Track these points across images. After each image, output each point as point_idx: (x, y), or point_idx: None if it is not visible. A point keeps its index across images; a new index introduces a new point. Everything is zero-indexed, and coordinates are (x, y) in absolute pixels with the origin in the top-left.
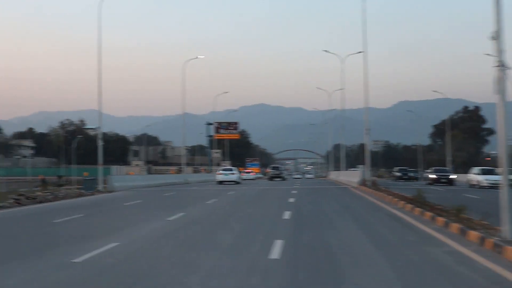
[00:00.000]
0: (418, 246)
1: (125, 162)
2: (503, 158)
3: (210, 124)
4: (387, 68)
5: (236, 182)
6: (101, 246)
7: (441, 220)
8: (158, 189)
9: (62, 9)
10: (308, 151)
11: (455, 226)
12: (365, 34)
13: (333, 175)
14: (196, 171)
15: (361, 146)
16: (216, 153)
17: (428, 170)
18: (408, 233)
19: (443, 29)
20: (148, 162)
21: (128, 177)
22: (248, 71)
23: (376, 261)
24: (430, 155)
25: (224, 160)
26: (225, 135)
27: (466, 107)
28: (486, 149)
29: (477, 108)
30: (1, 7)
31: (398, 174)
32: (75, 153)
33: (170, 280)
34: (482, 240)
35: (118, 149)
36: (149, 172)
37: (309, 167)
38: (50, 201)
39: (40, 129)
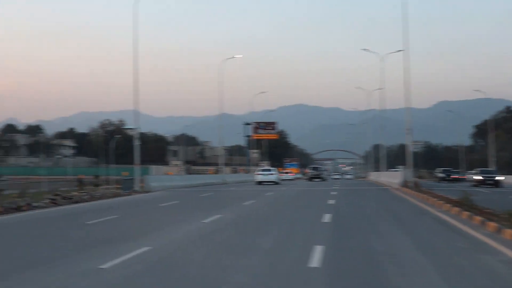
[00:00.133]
0: (469, 254)
1: (164, 162)
2: None
3: (248, 124)
4: (427, 67)
5: (275, 183)
6: (132, 250)
7: (492, 225)
8: (195, 189)
9: (102, 13)
10: (347, 151)
11: (509, 232)
12: (407, 32)
13: (373, 175)
14: (234, 171)
15: (401, 147)
16: (254, 153)
17: (472, 171)
18: (457, 239)
19: (485, 27)
20: (187, 162)
21: (166, 177)
22: (286, 71)
23: (424, 270)
24: (471, 156)
25: (262, 160)
26: (263, 135)
27: (508, 107)
28: None
29: None
30: (45, 15)
31: (441, 175)
32: (114, 153)
33: None
34: None
35: (157, 149)
36: (188, 172)
37: (347, 168)
38: (86, 201)
39: (81, 129)
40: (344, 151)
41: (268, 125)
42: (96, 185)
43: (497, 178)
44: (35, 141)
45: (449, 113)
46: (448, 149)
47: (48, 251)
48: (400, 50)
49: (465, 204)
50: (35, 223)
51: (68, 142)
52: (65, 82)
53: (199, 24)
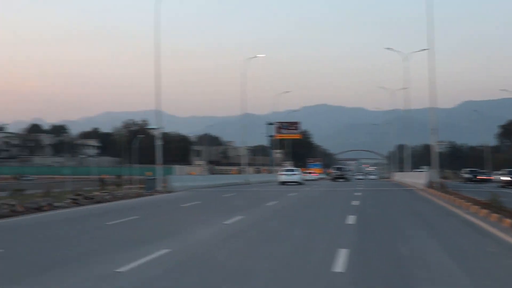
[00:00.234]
0: (501, 259)
1: (187, 162)
2: None
3: (271, 124)
4: (452, 66)
5: (299, 183)
6: (151, 252)
7: None
8: (218, 189)
9: (125, 15)
10: (370, 151)
11: None
12: (432, 30)
13: (398, 176)
14: (257, 172)
15: (425, 147)
16: (277, 153)
17: (499, 172)
18: (487, 243)
19: (508, 26)
20: (210, 162)
21: (188, 177)
22: (309, 70)
23: (454, 277)
24: (497, 156)
25: (285, 161)
26: (286, 135)
27: None
28: None
29: None
30: (69, 20)
31: (468, 175)
32: (137, 152)
33: None
34: None
35: (180, 149)
36: (212, 172)
37: (371, 168)
38: (108, 201)
39: (105, 129)
40: (367, 151)
41: (291, 125)
42: (118, 185)
43: None
44: (59, 140)
45: (474, 112)
46: (473, 149)
47: (66, 253)
48: (424, 49)
49: (494, 206)
50: (55, 224)
51: (92, 142)
52: (91, 83)
53: (222, 24)
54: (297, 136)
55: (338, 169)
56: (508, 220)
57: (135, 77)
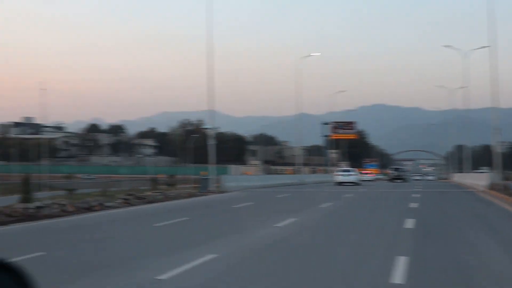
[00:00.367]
0: None
1: (243, 162)
2: None
3: (326, 123)
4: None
5: (355, 184)
6: (196, 258)
7: None
8: (272, 190)
9: (179, 17)
10: (427, 151)
11: None
12: (493, 27)
13: (457, 177)
14: (312, 172)
15: (485, 147)
16: (333, 154)
17: None
18: None
19: None
20: (265, 162)
21: (242, 177)
22: (364, 69)
23: None
24: None
25: (341, 161)
26: (342, 135)
27: None
28: None
29: None
30: (126, 28)
31: None
32: (192, 152)
33: None
34: None
35: (236, 148)
36: (267, 172)
37: (428, 168)
38: (160, 201)
39: (162, 129)
40: (424, 151)
41: (347, 125)
42: (171, 184)
43: None
44: (117, 140)
45: None
46: None
47: (107, 257)
48: (485, 46)
49: None
50: (102, 225)
51: (149, 142)
52: (149, 85)
53: (275, 23)
54: (353, 136)
55: (396, 169)
56: None
57: (192, 78)
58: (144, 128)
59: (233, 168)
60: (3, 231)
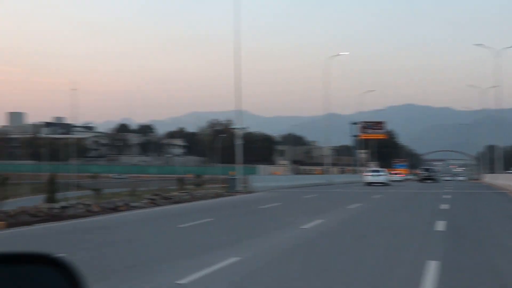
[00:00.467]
0: None
1: (271, 162)
2: None
3: (355, 123)
4: None
5: (384, 184)
6: (218, 261)
7: None
8: (300, 190)
9: (208, 18)
10: (458, 152)
11: None
12: None
13: (488, 178)
14: (341, 172)
15: None
16: (362, 154)
17: None
18: None
19: None
20: (294, 162)
21: (270, 177)
22: (394, 68)
23: None
24: None
25: (370, 161)
26: (371, 135)
27: None
28: None
29: None
30: (156, 28)
31: None
32: (221, 152)
33: None
34: None
35: (264, 148)
36: (296, 172)
37: (459, 169)
38: (187, 201)
39: (191, 128)
40: (455, 151)
41: (376, 125)
42: (198, 184)
43: None
44: (146, 140)
45: None
46: None
47: (127, 260)
48: None
49: None
50: (126, 226)
51: (178, 142)
52: (179, 84)
53: (304, 23)
54: (382, 136)
55: (426, 170)
56: None
57: (221, 78)
58: (173, 128)
59: (262, 168)
60: (27, 232)
